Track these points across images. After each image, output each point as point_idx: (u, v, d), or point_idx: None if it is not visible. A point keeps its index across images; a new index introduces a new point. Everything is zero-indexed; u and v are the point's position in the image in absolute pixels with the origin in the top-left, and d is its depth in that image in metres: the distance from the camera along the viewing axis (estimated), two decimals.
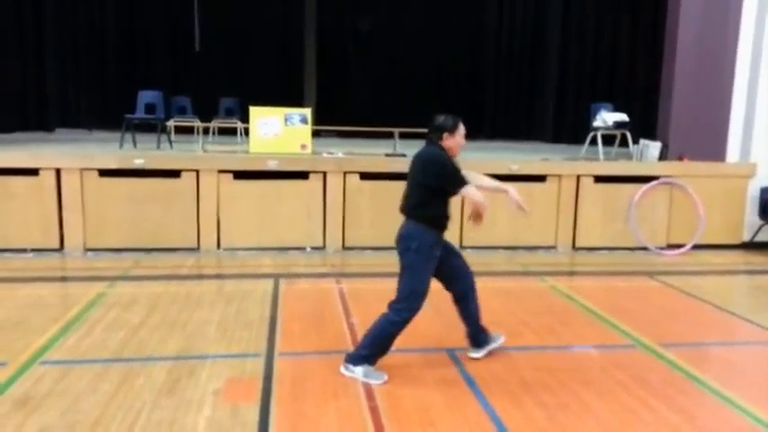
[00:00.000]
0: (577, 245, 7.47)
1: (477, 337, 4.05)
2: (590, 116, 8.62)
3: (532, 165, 7.61)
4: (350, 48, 14.29)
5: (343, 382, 3.65)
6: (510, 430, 3.16)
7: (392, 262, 6.56)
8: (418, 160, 3.82)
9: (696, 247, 7.39)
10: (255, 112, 7.53)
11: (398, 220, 7.44)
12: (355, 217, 7.12)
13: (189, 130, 10.33)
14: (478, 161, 7.65)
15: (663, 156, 7.78)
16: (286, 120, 7.54)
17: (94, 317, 4.63)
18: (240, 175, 6.90)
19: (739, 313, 5.24)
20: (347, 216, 7.10)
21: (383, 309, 4.91)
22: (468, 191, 3.66)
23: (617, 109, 8.49)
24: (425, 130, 9.44)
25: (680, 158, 7.75)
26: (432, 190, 3.70)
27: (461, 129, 3.83)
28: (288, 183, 7.01)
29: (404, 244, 3.75)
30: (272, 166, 6.96)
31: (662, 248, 7.35)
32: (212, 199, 6.83)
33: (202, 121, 9.85)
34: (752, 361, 4.29)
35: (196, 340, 4.23)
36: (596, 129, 8.28)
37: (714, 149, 7.81)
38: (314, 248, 7.05)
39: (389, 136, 8.81)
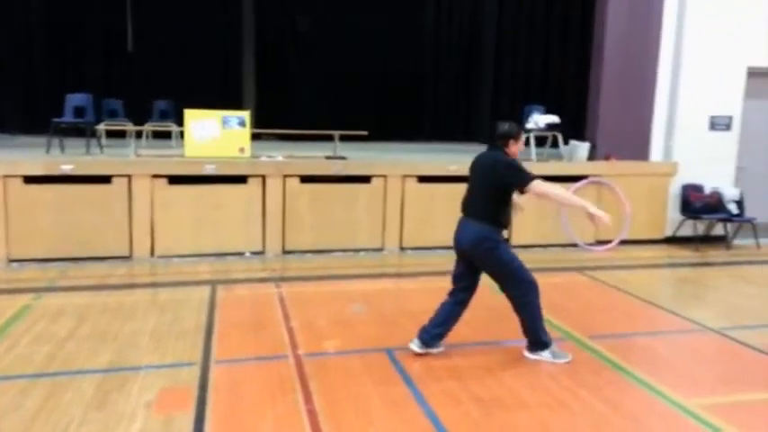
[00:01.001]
0: (513, 243, 7.67)
1: (429, 337, 4.15)
2: (523, 118, 8.88)
3: (469, 166, 7.76)
4: (290, 49, 14.18)
5: (282, 387, 3.63)
6: (447, 427, 3.22)
7: (332, 265, 6.66)
8: (487, 163, 4.04)
9: (623, 242, 7.74)
10: (191, 114, 7.37)
11: (340, 222, 7.51)
12: (296, 220, 7.08)
13: (121, 134, 9.98)
14: (418, 162, 7.78)
15: (591, 156, 8.11)
16: (223, 123, 7.42)
17: (19, 330, 4.43)
18: (175, 179, 6.74)
19: (663, 305, 5.53)
20: (287, 220, 7.06)
21: (324, 312, 4.99)
22: (536, 184, 3.84)
23: (548, 111, 8.77)
24: (365, 133, 9.53)
25: (607, 158, 8.10)
26: (502, 190, 3.96)
27: (523, 135, 4.12)
28: (226, 187, 6.90)
29: (474, 250, 3.99)
30: (209, 170, 6.84)
31: (591, 244, 7.67)
32: (145, 205, 6.64)
33: (135, 124, 9.54)
34: (674, 350, 4.53)
35: (128, 351, 4.11)
36: (529, 130, 8.52)
37: (639, 149, 8.21)
38: (253, 253, 6.97)
39: (330, 138, 8.81)
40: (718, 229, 8.22)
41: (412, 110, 14.61)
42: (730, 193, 8.02)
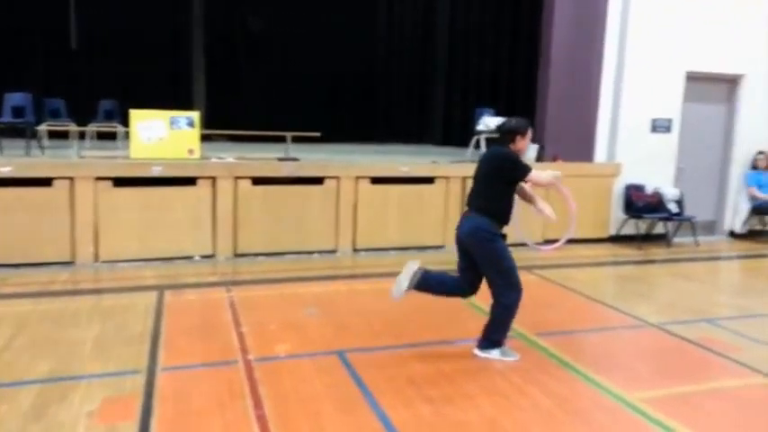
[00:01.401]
0: None
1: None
2: (474, 120, 9.02)
3: (421, 167, 7.84)
4: (241, 49, 14.00)
5: (231, 393, 3.58)
6: (398, 428, 3.24)
7: (284, 267, 6.60)
8: (491, 158, 4.17)
9: (569, 241, 7.90)
10: (137, 115, 7.18)
11: (292, 224, 7.45)
12: (247, 223, 6.99)
13: (63, 135, 9.62)
14: (371, 164, 7.80)
15: (539, 157, 8.30)
16: (171, 123, 7.25)
17: None
18: (121, 182, 6.56)
19: (607, 301, 5.71)
20: (239, 222, 6.96)
21: (276, 316, 4.94)
22: (534, 174, 4.01)
23: (499, 113, 8.95)
24: (318, 134, 9.49)
25: (554, 159, 8.31)
26: (504, 184, 4.05)
27: (529, 132, 4.16)
28: (174, 189, 6.75)
29: (470, 238, 4.06)
30: (157, 172, 6.68)
31: (539, 244, 7.83)
32: (89, 208, 6.43)
33: (78, 125, 9.22)
34: (618, 345, 4.69)
35: (69, 360, 3.97)
36: (480, 132, 8.68)
37: (584, 151, 8.45)
38: (203, 257, 6.84)
39: (282, 140, 8.73)
40: (660, 228, 8.54)
41: (365, 111, 14.66)
42: (670, 192, 8.36)
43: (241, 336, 4.50)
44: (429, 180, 7.70)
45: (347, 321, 4.92)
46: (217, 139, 11.20)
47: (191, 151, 7.25)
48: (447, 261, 7.22)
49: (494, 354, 4.19)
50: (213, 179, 6.85)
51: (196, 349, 4.24)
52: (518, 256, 7.38)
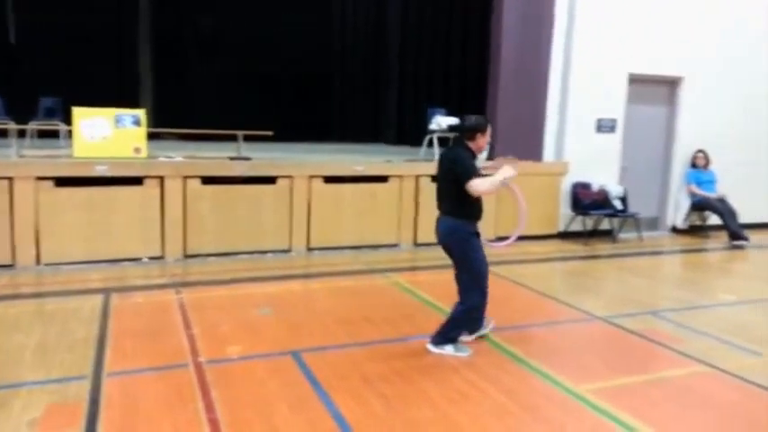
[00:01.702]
0: (419, 241, 7.84)
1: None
2: (427, 120, 9.08)
3: (375, 166, 7.85)
4: (191, 46, 13.69)
5: (181, 396, 3.49)
6: (352, 426, 3.23)
7: (237, 268, 6.49)
8: (446, 161, 4.17)
9: (520, 238, 8.06)
10: (79, 113, 6.92)
11: (245, 224, 7.34)
12: (197, 223, 6.84)
13: (2, 134, 9.20)
14: (324, 163, 7.75)
15: (491, 156, 8.41)
16: (116, 121, 7.03)
17: None
18: (63, 182, 6.31)
19: (556, 296, 5.85)
20: (188, 222, 6.80)
21: (228, 317, 4.85)
22: (472, 183, 3.94)
23: (451, 113, 9.03)
24: (271, 133, 9.35)
25: (505, 158, 8.45)
26: (461, 186, 4.01)
27: (488, 131, 4.18)
28: (120, 189, 6.54)
29: (449, 239, 4.16)
30: (101, 171, 6.46)
31: (491, 241, 7.90)
32: (29, 209, 6.16)
33: (18, 123, 8.82)
34: (567, 339, 4.81)
35: (9, 367, 3.79)
36: (432, 132, 8.74)
37: (533, 150, 8.64)
38: (151, 258, 6.66)
39: (234, 139, 8.58)
40: (605, 224, 8.81)
41: (319, 110, 14.57)
42: (615, 190, 8.63)
43: (191, 338, 4.40)
44: (383, 179, 7.72)
45: (301, 321, 4.88)
46: (165, 138, 10.93)
47: (137, 150, 7.04)
48: (400, 259, 7.29)
49: (447, 349, 4.23)
50: (161, 179, 6.67)
51: (144, 353, 4.12)
52: None
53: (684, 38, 8.93)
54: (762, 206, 9.68)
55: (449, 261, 7.05)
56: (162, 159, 7.05)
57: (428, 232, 7.95)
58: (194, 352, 4.14)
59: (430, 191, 7.88)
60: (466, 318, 4.26)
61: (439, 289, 5.92)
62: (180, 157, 7.30)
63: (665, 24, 8.79)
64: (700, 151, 9.23)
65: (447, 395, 3.63)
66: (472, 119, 4.25)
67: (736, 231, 8.62)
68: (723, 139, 9.33)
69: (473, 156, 4.17)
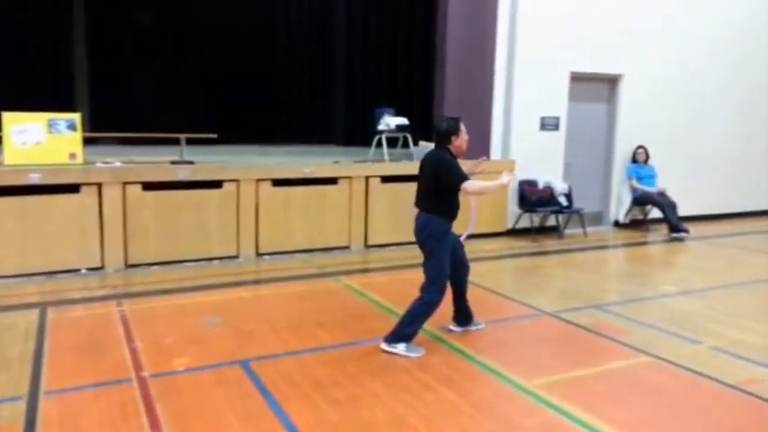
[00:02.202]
0: (369, 243, 7.81)
1: (458, 316, 4.71)
2: (375, 120, 9.07)
3: (324, 168, 7.77)
4: (128, 46, 13.19)
5: (124, 413, 3.34)
6: None
7: (182, 276, 6.30)
8: (428, 164, 4.33)
9: (470, 236, 8.17)
10: (9, 118, 6.56)
11: (189, 231, 7.14)
12: (139, 231, 6.59)
13: None
14: (272, 165, 7.61)
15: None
16: (50, 126, 6.70)
17: None
18: None
19: (506, 293, 5.93)
20: (129, 231, 6.55)
21: (171, 329, 4.69)
22: (467, 184, 4.08)
23: (399, 113, 9.05)
24: (214, 136, 9.12)
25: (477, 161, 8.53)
26: (442, 188, 4.19)
27: (463, 127, 4.28)
28: (55, 197, 6.23)
29: (423, 233, 4.27)
30: (35, 179, 6.14)
31: None
32: None
33: None
34: (517, 335, 4.87)
35: None
36: (381, 132, 8.74)
37: (481, 148, 8.72)
38: (90, 270, 6.38)
39: (176, 142, 8.32)
40: (552, 221, 9.01)
41: (265, 111, 14.30)
42: (560, 187, 8.83)
43: (134, 351, 4.23)
44: (332, 181, 7.65)
45: (251, 329, 4.77)
46: (103, 142, 10.52)
47: (72, 156, 6.74)
48: (352, 262, 7.24)
49: (399, 348, 4.23)
50: (99, 185, 6.40)
51: (84, 369, 3.93)
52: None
53: (624, 36, 9.21)
54: (700, 199, 10.10)
55: (400, 262, 7.08)
56: (99, 165, 6.76)
57: (379, 234, 7.97)
58: (138, 366, 3.98)
59: (380, 192, 7.90)
60: (423, 313, 4.29)
61: (391, 290, 5.91)
62: (119, 162, 7.03)
63: (605, 24, 9.04)
64: (640, 147, 9.55)
65: (400, 397, 3.61)
66: (443, 123, 4.35)
67: (675, 224, 8.96)
68: (662, 135, 9.68)
69: (454, 157, 4.25)
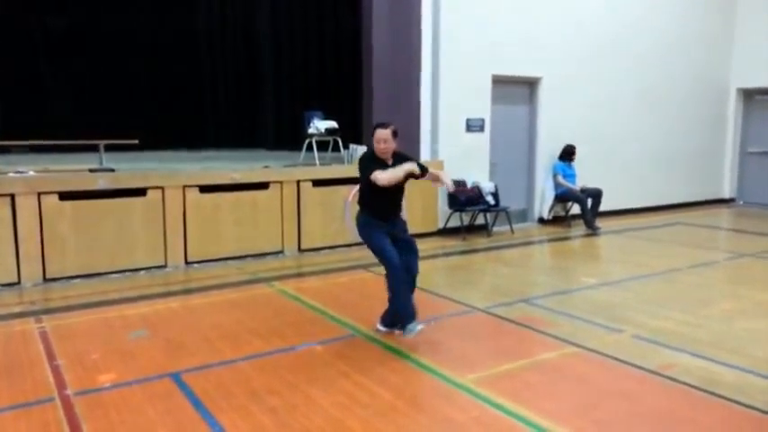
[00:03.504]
0: (303, 247, 7.76)
1: (386, 315, 4.78)
2: (304, 123, 9.02)
3: (254, 173, 7.66)
4: (40, 49, 12.48)
5: None
6: None
7: (106, 289, 6.04)
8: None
9: None
10: None
11: (112, 241, 6.89)
12: (57, 243, 6.27)
13: None
14: (199, 171, 7.42)
15: None
16: None
17: None
18: None
19: (438, 291, 6.04)
20: (46, 243, 6.22)
21: (96, 344, 4.50)
22: (374, 176, 4.27)
23: (328, 116, 9.04)
24: (136, 141, 8.79)
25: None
26: (363, 186, 4.46)
27: (375, 134, 4.43)
28: None
29: (358, 229, 4.58)
30: None
31: None
32: None
33: None
34: (450, 331, 4.97)
35: None
36: (311, 135, 8.70)
37: (410, 150, 8.80)
38: (5, 285, 6.00)
39: (95, 149, 7.97)
40: (480, 219, 9.26)
41: (191, 115, 13.90)
42: (487, 186, 9.09)
43: (56, 369, 4.02)
44: (263, 185, 7.54)
45: (181, 340, 4.63)
46: (16, 151, 9.92)
47: None
48: (285, 266, 7.16)
49: (418, 327, 4.44)
50: (11, 196, 6.04)
51: (1, 390, 3.70)
52: (354, 255, 7.58)
53: (541, 40, 9.60)
54: (615, 194, 10.65)
55: (334, 265, 7.08)
56: (12, 175, 6.38)
57: (312, 237, 7.93)
58: (61, 384, 3.78)
59: (311, 196, 7.86)
60: (394, 283, 4.47)
61: (325, 294, 5.90)
62: (33, 171, 6.66)
63: (523, 28, 9.40)
64: (571, 146, 9.87)
65: (336, 401, 3.61)
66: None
67: (589, 221, 9.43)
68: (578, 134, 10.14)
69: (374, 157, 4.42)
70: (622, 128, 10.86)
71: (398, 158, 4.50)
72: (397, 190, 4.53)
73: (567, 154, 9.87)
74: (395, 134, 4.45)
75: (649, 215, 11.09)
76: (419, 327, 4.46)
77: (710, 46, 12.01)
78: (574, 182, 9.88)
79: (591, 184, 9.90)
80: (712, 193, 12.57)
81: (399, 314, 4.53)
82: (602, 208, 9.93)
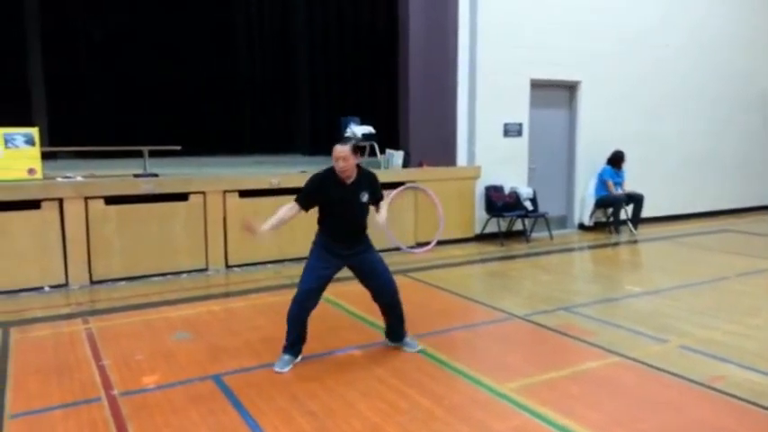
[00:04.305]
0: None
1: (387, 331, 4.59)
2: (341, 129, 9.08)
3: (291, 177, 7.73)
4: (83, 57, 12.89)
5: None
6: None
7: (150, 291, 6.18)
8: None
9: (439, 242, 8.22)
10: None
11: (156, 244, 7.05)
12: (103, 246, 6.45)
13: None
14: (239, 177, 7.55)
15: (406, 163, 8.55)
16: (6, 141, 6.52)
17: None
18: None
19: (476, 298, 5.99)
20: (93, 246, 6.40)
21: (140, 345, 4.60)
22: (280, 208, 4.35)
23: (364, 122, 9.08)
24: (179, 148, 9.01)
25: (420, 165, 8.60)
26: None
27: (333, 151, 4.08)
28: (14, 214, 6.06)
29: None
30: None
31: (412, 247, 8.04)
32: None
33: None
34: (488, 339, 4.93)
35: None
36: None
37: (447, 156, 8.84)
38: (54, 287, 6.21)
39: (139, 155, 8.18)
40: (518, 225, 9.15)
41: (229, 122, 14.17)
42: (525, 191, 8.98)
43: (103, 370, 4.13)
44: (300, 191, 7.59)
45: (222, 343, 4.70)
46: (63, 156, 10.27)
47: (31, 171, 6.56)
48: None
49: (284, 358, 4.20)
50: (60, 201, 6.25)
51: (51, 390, 3.82)
52: (392, 260, 7.52)
53: (581, 44, 9.46)
54: (658, 201, 10.39)
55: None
56: (60, 180, 6.60)
57: None
58: (107, 385, 3.88)
59: None
60: (290, 312, 4.27)
61: (364, 299, 5.88)
62: (80, 176, 6.87)
63: (562, 31, 9.27)
64: (620, 151, 9.60)
65: (375, 406, 3.61)
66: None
67: (617, 226, 9.38)
68: (620, 139, 9.93)
69: (328, 178, 4.19)
70: (667, 131, 10.59)
71: (364, 178, 4.22)
72: (353, 212, 4.20)
73: (616, 160, 9.64)
74: (355, 150, 4.09)
75: (695, 222, 10.78)
76: (285, 358, 4.19)
77: (763, 47, 11.62)
78: (620, 189, 9.68)
79: (634, 189, 9.69)
80: (761, 199, 12.14)
81: (287, 334, 4.24)
82: (647, 214, 9.70)
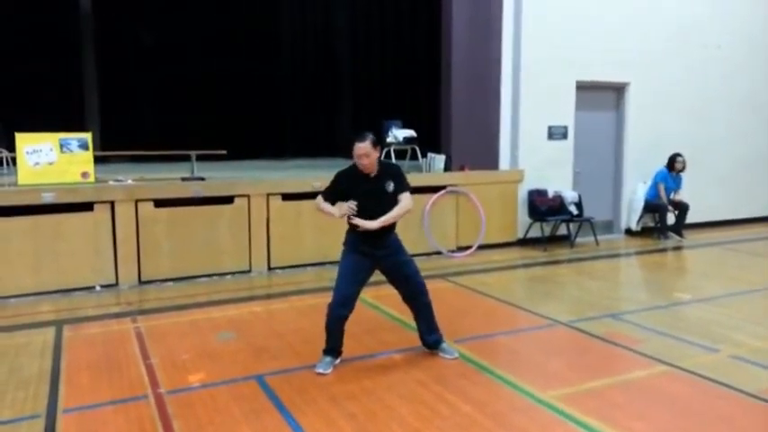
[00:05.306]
0: None
1: (420, 337, 4.51)
2: (383, 132, 9.11)
3: None
4: (136, 63, 13.35)
5: (142, 430, 3.36)
6: None
7: (195, 292, 6.33)
8: None
9: (481, 247, 8.20)
10: (23, 138, 6.66)
11: (202, 246, 7.21)
12: (152, 248, 6.65)
13: None
14: (281, 180, 7.66)
15: (447, 167, 8.51)
16: (62, 146, 6.79)
17: None
18: (7, 211, 6.05)
19: (518, 303, 5.91)
20: (142, 247, 6.61)
21: (186, 344, 4.72)
22: (318, 199, 4.34)
23: (406, 125, 9.08)
24: (224, 152, 9.18)
25: (461, 169, 8.54)
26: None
27: (354, 149, 4.08)
28: (68, 216, 6.31)
29: None
30: (49, 198, 6.22)
31: (453, 251, 8.04)
32: None
33: None
34: (531, 345, 4.85)
35: None
36: (389, 144, 8.77)
37: (489, 159, 8.75)
38: (104, 286, 6.43)
39: (186, 159, 8.41)
40: (562, 230, 8.98)
41: (272, 126, 14.43)
42: (570, 195, 8.81)
43: (150, 368, 4.25)
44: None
45: (265, 343, 4.78)
46: (114, 161, 10.63)
47: (85, 174, 6.81)
48: None
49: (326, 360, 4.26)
50: (111, 203, 6.47)
51: (101, 386, 3.96)
52: (433, 264, 7.55)
53: (629, 45, 9.23)
54: (707, 206, 10.03)
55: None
56: (112, 183, 6.84)
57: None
58: (154, 383, 3.99)
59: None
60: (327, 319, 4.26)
61: (401, 302, 5.89)
62: (130, 180, 7.11)
63: (609, 32, 9.07)
64: (679, 155, 9.32)
65: (416, 410, 3.60)
66: None
67: (670, 228, 9.10)
68: (669, 142, 9.64)
69: (352, 173, 4.21)
70: (716, 133, 10.22)
71: (387, 170, 4.22)
72: (377, 206, 4.11)
73: (673, 164, 9.34)
74: (375, 144, 4.06)
75: (746, 227, 10.37)
76: (327, 360, 4.22)
77: None
78: (672, 194, 9.40)
79: (685, 194, 9.40)
80: None
81: (326, 338, 4.27)
82: (695, 219, 9.39)
